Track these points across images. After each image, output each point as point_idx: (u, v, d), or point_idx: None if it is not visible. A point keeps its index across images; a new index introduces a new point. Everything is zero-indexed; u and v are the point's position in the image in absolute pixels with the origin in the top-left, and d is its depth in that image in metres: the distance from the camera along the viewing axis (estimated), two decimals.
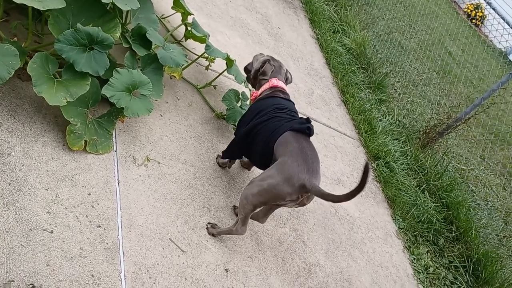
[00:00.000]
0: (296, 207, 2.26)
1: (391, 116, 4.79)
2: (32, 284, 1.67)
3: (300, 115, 2.54)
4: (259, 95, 2.72)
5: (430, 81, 6.36)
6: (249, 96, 3.19)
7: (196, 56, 3.20)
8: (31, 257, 1.75)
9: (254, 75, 2.84)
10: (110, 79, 2.24)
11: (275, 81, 2.71)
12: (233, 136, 3.04)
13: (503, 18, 4.95)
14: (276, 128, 2.35)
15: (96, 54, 2.18)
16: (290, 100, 2.68)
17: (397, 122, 4.79)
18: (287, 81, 2.88)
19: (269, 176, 2.15)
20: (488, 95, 4.37)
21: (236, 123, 2.90)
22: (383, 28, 6.40)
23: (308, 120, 2.35)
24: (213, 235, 2.37)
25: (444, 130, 4.60)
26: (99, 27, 2.18)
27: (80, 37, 2.12)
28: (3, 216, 1.79)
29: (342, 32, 5.69)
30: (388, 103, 5.02)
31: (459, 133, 5.29)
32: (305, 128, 2.29)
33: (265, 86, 2.71)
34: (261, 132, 2.41)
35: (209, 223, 2.41)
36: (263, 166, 2.42)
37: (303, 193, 2.10)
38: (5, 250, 1.71)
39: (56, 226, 1.89)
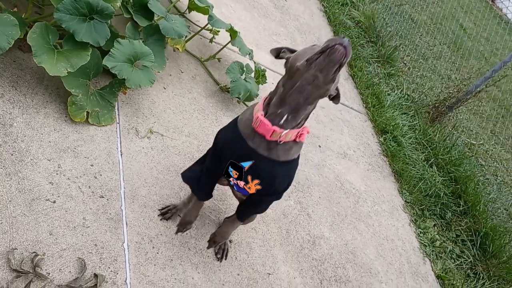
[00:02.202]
0: None
1: (400, 90, 4.70)
2: (35, 252, 1.69)
3: None
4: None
5: (440, 55, 6.23)
6: (253, 69, 3.11)
7: (200, 28, 3.15)
8: (34, 226, 1.76)
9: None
10: (111, 50, 2.21)
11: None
12: (236, 109, 3.01)
13: None
14: None
15: (97, 24, 2.15)
16: None
17: (406, 96, 4.70)
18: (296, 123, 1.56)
19: None
20: (499, 68, 4.26)
21: (241, 96, 2.84)
22: (393, 1, 6.23)
23: None
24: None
25: (454, 104, 4.52)
26: None
27: (80, 6, 2.08)
28: (5, 186, 1.80)
29: (351, 5, 5.56)
30: (397, 77, 4.93)
31: (469, 107, 5.20)
32: None
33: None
34: None
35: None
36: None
37: None
38: (8, 219, 1.72)
39: (58, 196, 1.90)
